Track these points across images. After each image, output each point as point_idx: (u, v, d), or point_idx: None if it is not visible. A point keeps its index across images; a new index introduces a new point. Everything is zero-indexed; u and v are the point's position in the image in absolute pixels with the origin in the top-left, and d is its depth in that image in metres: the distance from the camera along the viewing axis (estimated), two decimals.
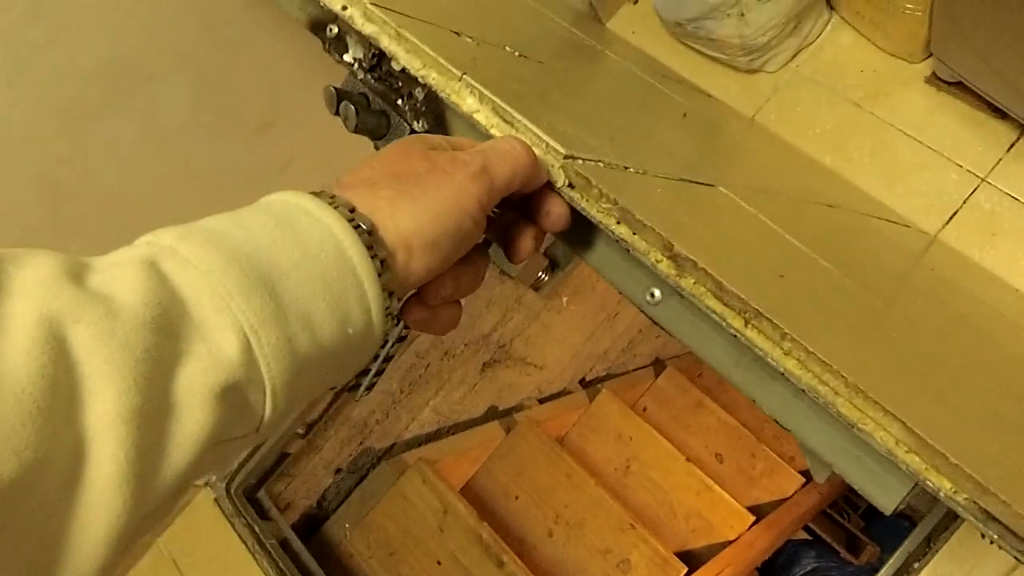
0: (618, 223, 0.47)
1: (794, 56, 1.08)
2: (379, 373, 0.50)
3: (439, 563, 1.58)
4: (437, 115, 0.56)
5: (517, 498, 1.83)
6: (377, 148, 0.59)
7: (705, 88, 1.10)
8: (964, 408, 0.48)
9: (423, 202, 0.41)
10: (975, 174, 0.95)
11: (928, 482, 0.39)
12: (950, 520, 0.86)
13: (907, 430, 0.39)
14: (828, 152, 1.03)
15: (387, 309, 0.40)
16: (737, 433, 2.02)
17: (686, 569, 1.64)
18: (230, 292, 0.34)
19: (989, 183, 0.95)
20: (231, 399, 0.33)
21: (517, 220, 0.50)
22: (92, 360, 0.30)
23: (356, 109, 0.56)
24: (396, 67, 0.54)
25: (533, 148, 0.48)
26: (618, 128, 0.67)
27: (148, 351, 0.31)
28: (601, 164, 0.51)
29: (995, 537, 0.37)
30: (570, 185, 0.49)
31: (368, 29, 0.55)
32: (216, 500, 1.38)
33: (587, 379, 2.14)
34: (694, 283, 0.45)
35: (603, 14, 1.17)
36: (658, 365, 2.26)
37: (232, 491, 1.40)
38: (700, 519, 1.84)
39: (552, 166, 0.49)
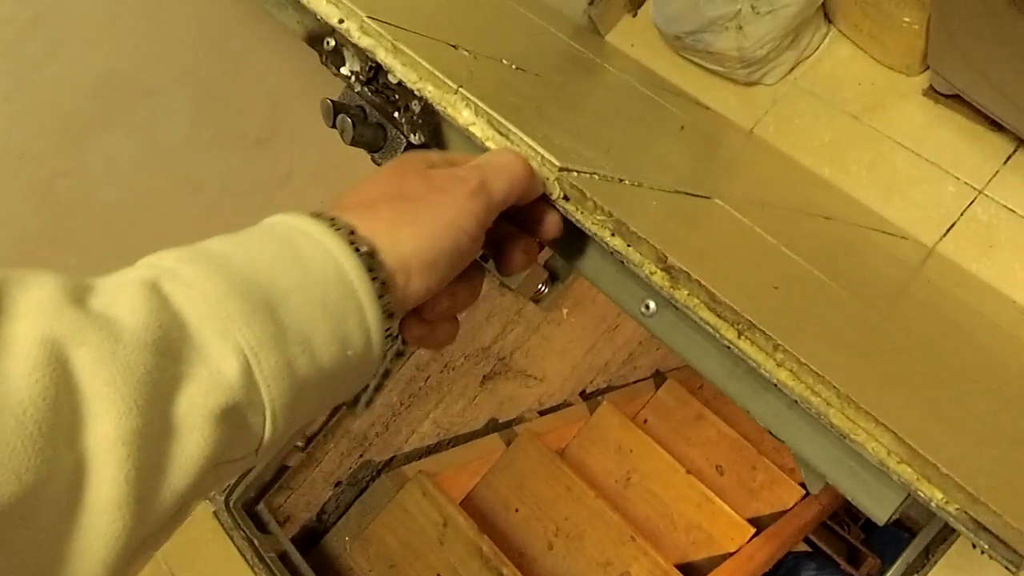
0: (613, 235, 0.48)
1: (792, 69, 1.08)
2: (378, 388, 0.50)
3: None
4: (433, 128, 0.56)
5: (517, 511, 1.82)
6: (374, 160, 0.59)
7: (704, 100, 1.11)
8: (957, 419, 0.48)
9: (422, 223, 0.41)
10: (972, 186, 0.96)
11: (920, 492, 0.39)
12: (949, 531, 0.86)
13: (899, 441, 0.39)
14: (826, 164, 1.03)
15: (387, 330, 0.40)
16: (738, 445, 2.02)
17: None
18: (231, 315, 0.34)
19: (986, 195, 0.95)
20: (231, 421, 0.33)
21: (510, 232, 0.50)
22: (93, 382, 0.30)
23: (353, 122, 0.57)
24: (392, 80, 0.55)
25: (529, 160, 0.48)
26: (615, 141, 0.68)
27: (149, 373, 0.31)
28: (596, 176, 0.51)
29: (986, 547, 0.37)
30: (565, 197, 0.49)
31: (364, 42, 0.55)
32: (215, 513, 1.38)
33: (587, 391, 2.14)
34: (688, 295, 0.46)
35: (602, 27, 1.18)
36: (658, 377, 2.26)
37: (231, 504, 1.40)
38: (700, 531, 1.84)
39: (547, 178, 0.49)
